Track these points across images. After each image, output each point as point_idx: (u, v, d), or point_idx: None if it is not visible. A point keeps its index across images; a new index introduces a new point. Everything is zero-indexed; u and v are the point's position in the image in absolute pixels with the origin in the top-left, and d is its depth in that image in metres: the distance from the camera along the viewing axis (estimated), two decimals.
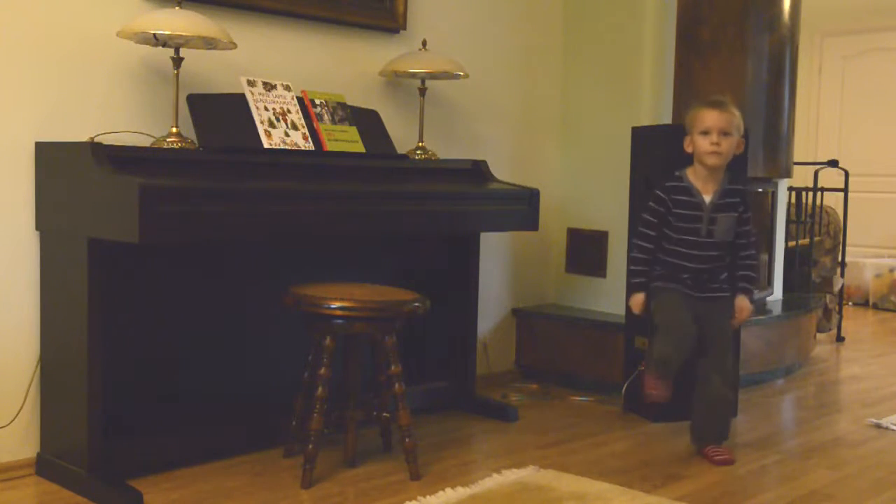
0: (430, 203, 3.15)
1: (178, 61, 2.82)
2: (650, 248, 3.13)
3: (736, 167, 3.66)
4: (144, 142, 2.85)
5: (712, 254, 3.08)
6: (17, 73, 2.70)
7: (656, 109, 4.11)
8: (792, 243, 5.41)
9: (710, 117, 3.02)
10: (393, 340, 2.79)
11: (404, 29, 3.69)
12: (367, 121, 3.33)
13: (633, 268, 3.19)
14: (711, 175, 3.07)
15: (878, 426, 3.56)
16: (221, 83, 3.12)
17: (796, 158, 4.77)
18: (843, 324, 5.68)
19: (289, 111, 3.06)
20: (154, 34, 2.72)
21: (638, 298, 3.17)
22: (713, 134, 3.00)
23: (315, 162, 3.06)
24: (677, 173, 3.12)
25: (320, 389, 2.71)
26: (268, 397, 3.11)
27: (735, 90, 4.11)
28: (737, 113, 3.06)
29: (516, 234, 4.20)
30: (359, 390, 2.89)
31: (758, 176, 4.26)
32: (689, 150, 3.09)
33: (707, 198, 3.06)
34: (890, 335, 5.96)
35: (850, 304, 7.09)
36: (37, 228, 2.73)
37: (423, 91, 3.60)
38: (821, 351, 5.20)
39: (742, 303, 3.14)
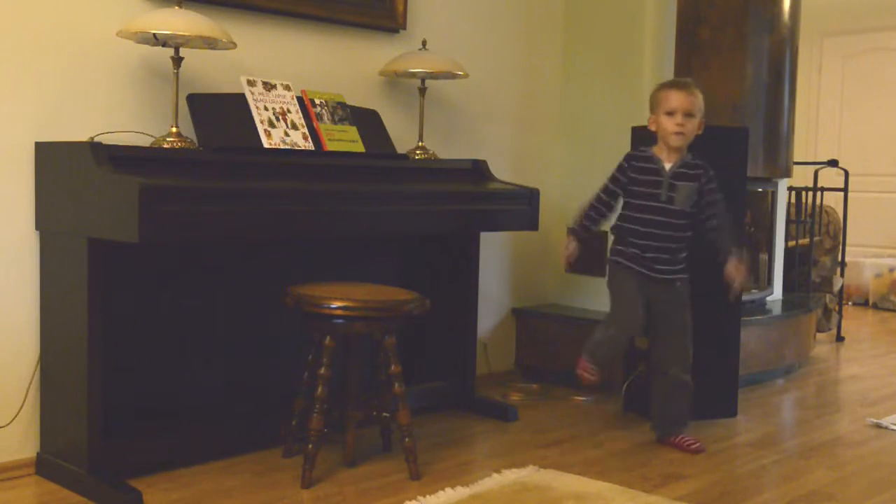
0: (430, 203, 3.15)
1: (178, 61, 2.82)
2: (603, 201, 3.20)
3: (735, 165, 3.65)
4: (144, 142, 2.85)
5: (673, 222, 3.10)
6: (17, 73, 2.70)
7: None
8: (792, 243, 5.41)
9: (675, 98, 3.09)
10: (393, 340, 2.79)
11: (404, 29, 3.69)
12: (366, 121, 3.33)
13: (579, 213, 3.24)
14: (674, 151, 3.13)
15: (878, 426, 3.56)
16: (221, 83, 3.12)
17: (796, 158, 4.77)
18: (843, 324, 5.68)
19: (289, 111, 3.06)
20: (154, 34, 2.72)
21: (571, 243, 3.23)
22: (678, 115, 3.07)
23: (315, 162, 3.06)
24: (642, 147, 3.19)
25: (320, 389, 2.71)
26: (268, 397, 3.12)
27: (735, 90, 4.11)
28: (699, 94, 3.13)
29: (516, 234, 4.20)
30: (359, 390, 2.89)
31: (758, 176, 4.26)
32: (652, 128, 3.17)
33: (668, 165, 3.12)
34: (890, 335, 5.95)
35: (850, 304, 7.08)
36: (37, 228, 2.73)
37: (423, 91, 3.60)
38: (821, 351, 5.20)
39: (735, 266, 3.09)
